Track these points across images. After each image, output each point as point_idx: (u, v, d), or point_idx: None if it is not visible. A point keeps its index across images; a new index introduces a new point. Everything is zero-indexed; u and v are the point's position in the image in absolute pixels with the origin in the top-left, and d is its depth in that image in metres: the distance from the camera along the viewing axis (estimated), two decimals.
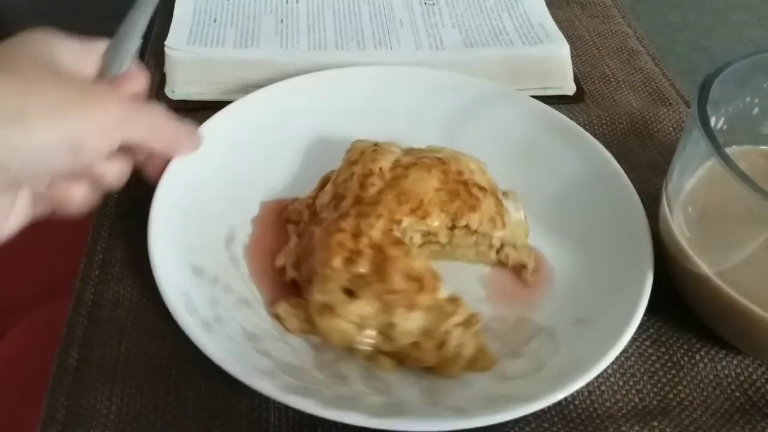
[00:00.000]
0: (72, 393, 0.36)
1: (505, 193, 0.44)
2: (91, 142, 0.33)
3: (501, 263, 0.44)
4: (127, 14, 0.40)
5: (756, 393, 0.39)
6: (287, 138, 0.49)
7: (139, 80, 0.40)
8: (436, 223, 0.41)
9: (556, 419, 0.37)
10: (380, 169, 0.42)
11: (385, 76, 0.53)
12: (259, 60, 0.55)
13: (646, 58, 0.64)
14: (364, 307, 0.36)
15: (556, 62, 0.58)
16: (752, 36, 1.50)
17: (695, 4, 1.53)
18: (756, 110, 0.43)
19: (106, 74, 0.38)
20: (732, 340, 0.40)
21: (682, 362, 0.40)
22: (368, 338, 0.37)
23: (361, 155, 0.43)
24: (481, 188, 0.43)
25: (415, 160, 0.43)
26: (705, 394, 0.39)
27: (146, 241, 0.38)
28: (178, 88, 0.55)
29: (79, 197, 0.37)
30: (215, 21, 0.60)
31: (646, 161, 0.52)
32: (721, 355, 0.40)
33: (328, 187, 0.43)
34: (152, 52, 0.60)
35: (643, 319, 0.38)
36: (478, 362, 0.37)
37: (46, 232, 0.60)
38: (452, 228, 0.42)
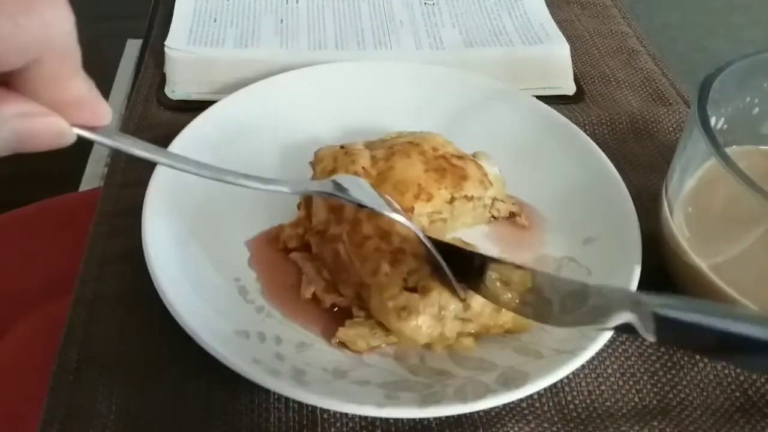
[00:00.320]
0: (72, 392, 0.36)
1: (475, 155, 0.46)
2: None
3: (494, 218, 0.46)
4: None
5: (756, 393, 0.39)
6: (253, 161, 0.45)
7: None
8: (439, 202, 0.42)
9: (556, 419, 0.37)
10: (363, 168, 0.42)
11: (385, 73, 0.53)
12: (259, 60, 0.55)
13: (646, 58, 0.64)
14: (437, 296, 0.37)
15: (556, 62, 0.58)
16: (752, 36, 1.49)
17: (695, 4, 1.53)
18: (756, 110, 0.43)
19: None
20: None
21: (682, 362, 0.40)
22: (451, 326, 0.38)
23: (335, 161, 0.43)
24: (459, 157, 0.44)
25: (390, 150, 0.43)
26: (705, 394, 0.39)
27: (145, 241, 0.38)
28: (178, 88, 0.55)
29: None
30: (215, 21, 0.60)
31: (646, 161, 0.52)
32: None
33: (319, 203, 0.42)
34: (152, 52, 0.60)
35: None
36: None
37: (46, 232, 0.61)
38: (451, 201, 0.43)
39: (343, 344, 0.38)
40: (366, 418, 0.36)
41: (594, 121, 0.55)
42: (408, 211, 0.41)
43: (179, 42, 0.56)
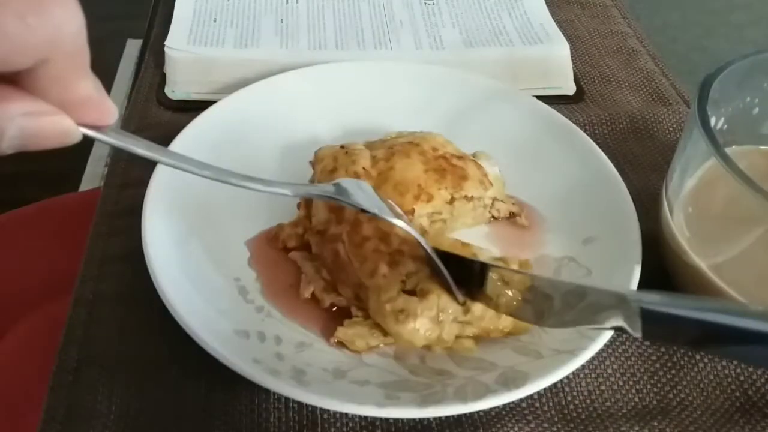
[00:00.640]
0: (72, 392, 0.36)
1: (475, 155, 0.46)
2: None
3: (494, 218, 0.46)
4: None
5: (756, 393, 0.39)
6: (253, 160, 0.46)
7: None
8: (439, 202, 0.42)
9: (556, 419, 0.37)
10: (363, 168, 0.42)
11: (385, 73, 0.53)
12: (259, 60, 0.55)
13: (646, 58, 0.64)
14: (435, 299, 0.37)
15: (556, 62, 0.58)
16: (752, 36, 1.49)
17: (695, 4, 1.53)
18: (756, 110, 0.43)
19: None
20: None
21: (682, 362, 0.40)
22: (450, 330, 0.38)
23: (335, 161, 0.43)
24: (459, 157, 0.44)
25: (390, 150, 0.43)
26: (705, 394, 0.39)
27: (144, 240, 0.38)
28: (178, 88, 0.55)
29: None
30: (215, 21, 0.60)
31: (646, 161, 0.52)
32: None
33: (319, 203, 0.42)
34: (152, 52, 0.60)
35: None
36: None
37: (46, 232, 0.61)
38: (451, 201, 0.43)
39: (341, 344, 0.38)
40: (366, 418, 0.36)
41: (594, 121, 0.55)
42: (408, 214, 0.41)
43: (179, 42, 0.56)
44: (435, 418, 0.36)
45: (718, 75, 0.39)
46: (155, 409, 0.36)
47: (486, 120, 0.51)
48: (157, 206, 0.41)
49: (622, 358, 0.40)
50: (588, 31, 0.67)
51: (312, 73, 0.52)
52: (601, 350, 0.38)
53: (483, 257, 0.40)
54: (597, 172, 0.47)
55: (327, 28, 0.60)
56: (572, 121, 0.50)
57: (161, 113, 0.54)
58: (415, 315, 0.37)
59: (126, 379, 0.37)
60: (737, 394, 0.39)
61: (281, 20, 0.61)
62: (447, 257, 0.38)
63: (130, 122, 0.53)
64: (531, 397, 0.37)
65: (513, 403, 0.37)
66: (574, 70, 0.59)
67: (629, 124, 0.55)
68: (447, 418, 0.36)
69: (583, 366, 0.37)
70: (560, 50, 0.59)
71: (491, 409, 0.36)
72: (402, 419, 0.36)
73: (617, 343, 0.40)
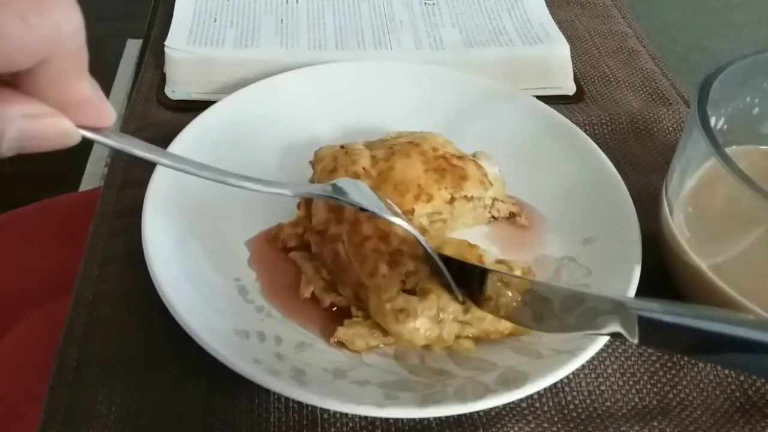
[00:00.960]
0: (72, 392, 0.36)
1: (475, 155, 0.46)
2: None
3: (494, 218, 0.46)
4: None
5: (756, 393, 0.39)
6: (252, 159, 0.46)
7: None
8: (439, 202, 0.42)
9: (556, 419, 0.37)
10: (363, 168, 0.42)
11: (385, 73, 0.53)
12: (259, 60, 0.55)
13: (646, 58, 0.64)
14: (435, 299, 0.37)
15: (556, 62, 0.58)
16: (752, 36, 1.49)
17: (695, 4, 1.53)
18: (756, 110, 0.43)
19: None
20: None
21: (682, 362, 0.40)
22: (450, 329, 0.37)
23: (335, 161, 0.43)
24: (459, 157, 0.44)
25: (390, 150, 0.43)
26: (705, 394, 0.39)
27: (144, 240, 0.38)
28: (178, 88, 0.55)
29: None
30: (215, 21, 0.60)
31: (646, 161, 0.52)
32: None
33: (319, 203, 0.42)
34: (152, 52, 0.60)
35: None
36: None
37: (46, 232, 0.61)
38: (451, 201, 0.43)
39: (341, 344, 0.38)
40: (366, 418, 0.36)
41: (594, 121, 0.55)
42: (408, 214, 0.41)
43: (179, 42, 0.56)
44: (435, 418, 0.36)
45: (718, 75, 0.39)
46: (155, 409, 0.36)
47: (486, 120, 0.51)
48: (157, 206, 0.41)
49: (622, 358, 0.40)
50: (588, 31, 0.67)
51: (312, 73, 0.52)
52: (601, 350, 0.38)
53: (489, 259, 0.40)
54: (597, 172, 0.47)
55: (327, 28, 0.60)
56: (572, 121, 0.50)
57: (161, 113, 0.54)
58: (415, 314, 0.37)
59: (126, 379, 0.37)
60: (737, 394, 0.39)
61: (281, 20, 0.61)
62: (447, 260, 0.38)
63: (130, 122, 0.53)
64: (531, 397, 0.37)
65: (513, 403, 0.37)
66: (574, 70, 0.59)
67: (629, 124, 0.55)
68: (447, 418, 0.36)
69: (583, 366, 0.37)
70: (560, 50, 0.59)
71: (491, 409, 0.36)
72: (402, 419, 0.36)
73: (617, 343, 0.40)
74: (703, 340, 0.28)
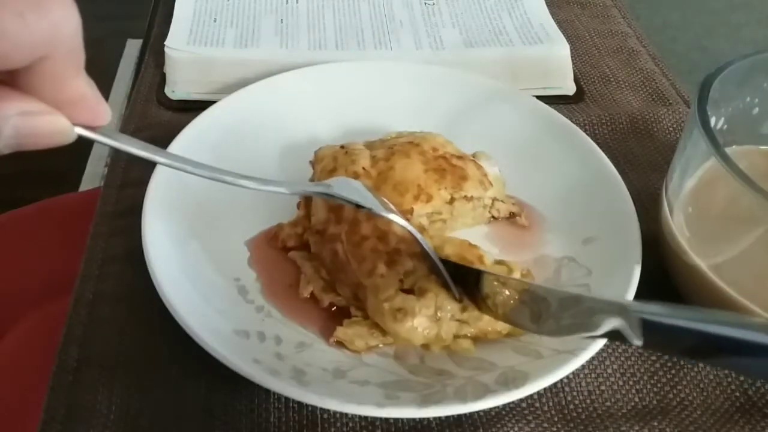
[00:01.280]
0: (72, 392, 0.36)
1: (475, 155, 0.46)
2: None
3: (494, 218, 0.46)
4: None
5: (756, 393, 0.39)
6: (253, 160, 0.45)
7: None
8: (439, 202, 0.42)
9: (556, 419, 0.37)
10: (363, 168, 0.42)
11: (385, 73, 0.53)
12: (259, 60, 0.55)
13: (646, 58, 0.64)
14: (433, 298, 0.37)
15: (556, 62, 0.58)
16: (752, 36, 1.49)
17: (695, 4, 1.53)
18: (756, 110, 0.43)
19: None
20: None
21: (682, 362, 0.40)
22: (448, 328, 0.38)
23: (335, 161, 0.43)
24: (459, 157, 0.44)
25: (390, 150, 0.43)
26: (705, 394, 0.39)
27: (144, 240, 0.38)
28: (178, 88, 0.55)
29: None
30: (215, 21, 0.60)
31: (646, 161, 0.52)
32: None
33: (318, 203, 0.42)
34: (152, 52, 0.60)
35: None
36: None
37: (46, 232, 0.61)
38: (451, 201, 0.43)
39: (341, 344, 0.38)
40: (366, 418, 0.36)
41: (594, 121, 0.55)
42: (407, 214, 0.41)
43: (179, 42, 0.56)
44: (435, 418, 0.36)
45: (718, 75, 0.39)
46: (155, 409, 0.36)
47: (486, 120, 0.51)
48: (157, 206, 0.41)
49: (622, 358, 0.40)
50: (588, 31, 0.67)
51: (312, 73, 0.52)
52: (601, 350, 0.38)
53: (489, 259, 0.40)
54: (597, 172, 0.47)
55: (327, 28, 0.60)
56: (572, 121, 0.50)
57: (161, 113, 0.54)
58: (414, 313, 0.37)
59: (126, 379, 0.37)
60: (737, 394, 0.39)
61: (281, 20, 0.61)
62: (444, 260, 0.38)
63: (130, 122, 0.53)
64: (531, 397, 0.37)
65: (513, 403, 0.37)
66: (574, 70, 0.59)
67: (629, 124, 0.55)
68: (447, 418, 0.36)
69: (583, 366, 0.37)
70: (560, 50, 0.59)
71: (491, 409, 0.36)
72: (402, 419, 0.36)
73: (617, 344, 0.40)
74: (706, 343, 0.28)
